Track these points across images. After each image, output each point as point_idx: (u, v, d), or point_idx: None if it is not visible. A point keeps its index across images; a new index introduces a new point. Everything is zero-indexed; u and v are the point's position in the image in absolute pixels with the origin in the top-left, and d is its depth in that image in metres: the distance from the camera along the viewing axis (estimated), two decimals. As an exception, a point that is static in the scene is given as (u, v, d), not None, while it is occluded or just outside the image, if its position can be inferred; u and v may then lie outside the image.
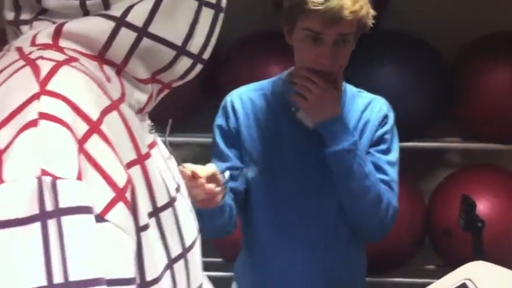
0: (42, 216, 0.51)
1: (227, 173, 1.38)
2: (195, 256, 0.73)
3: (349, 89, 1.56)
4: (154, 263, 0.63)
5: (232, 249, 2.44)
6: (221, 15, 0.69)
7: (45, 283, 0.50)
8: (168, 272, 0.66)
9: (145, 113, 0.71)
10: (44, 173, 0.51)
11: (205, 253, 2.84)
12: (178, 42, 0.66)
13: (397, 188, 1.52)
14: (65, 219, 0.51)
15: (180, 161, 1.20)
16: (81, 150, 0.54)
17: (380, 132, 1.52)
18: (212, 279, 3.01)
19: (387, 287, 2.58)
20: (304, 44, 1.41)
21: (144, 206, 0.61)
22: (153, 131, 0.75)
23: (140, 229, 0.60)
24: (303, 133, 1.49)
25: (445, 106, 2.47)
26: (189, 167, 1.24)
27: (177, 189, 0.72)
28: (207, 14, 0.67)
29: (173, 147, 2.76)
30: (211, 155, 1.55)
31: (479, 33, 2.45)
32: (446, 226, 2.29)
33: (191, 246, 0.71)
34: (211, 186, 1.27)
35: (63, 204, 0.51)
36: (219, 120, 1.54)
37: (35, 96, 0.55)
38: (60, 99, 0.55)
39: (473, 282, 1.02)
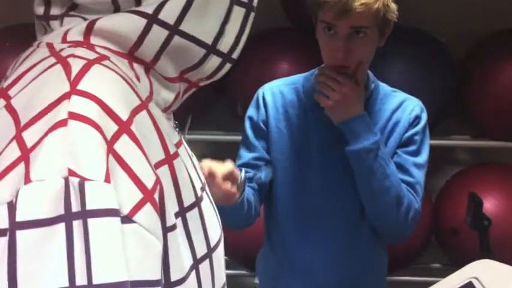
0: (67, 217, 0.50)
1: (243, 173, 1.38)
2: (220, 256, 0.72)
3: (383, 88, 1.55)
4: (180, 264, 0.62)
5: (234, 247, 2.45)
6: (252, 15, 0.68)
7: (66, 284, 0.49)
8: (193, 273, 0.65)
9: (171, 111, 0.71)
10: (72, 173, 0.51)
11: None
12: (209, 41, 0.65)
13: (421, 191, 1.50)
14: (91, 221, 0.51)
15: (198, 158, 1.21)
16: (111, 150, 0.54)
17: (410, 133, 1.50)
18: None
19: (394, 285, 2.58)
20: (322, 37, 1.41)
21: (171, 206, 0.61)
22: (177, 129, 0.74)
23: (167, 230, 0.59)
24: (330, 130, 1.47)
25: (453, 103, 2.46)
26: (207, 165, 1.24)
27: (203, 188, 0.71)
28: (238, 12, 0.67)
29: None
30: (241, 145, 1.56)
31: (489, 30, 2.44)
32: (453, 225, 2.29)
33: (216, 246, 0.71)
34: (227, 186, 1.27)
35: (90, 206, 0.51)
36: (251, 111, 1.56)
37: (66, 96, 0.54)
38: (91, 99, 0.54)
39: (479, 281, 1.02)
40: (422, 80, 2.33)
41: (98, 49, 0.60)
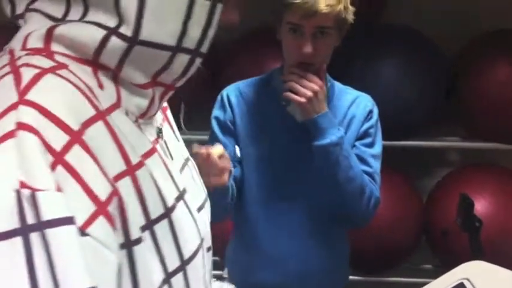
0: (23, 230, 0.49)
1: (237, 149, 1.48)
2: (197, 268, 0.70)
3: (337, 85, 1.66)
4: (150, 278, 0.61)
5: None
6: (219, 6, 0.65)
7: None
8: (165, 287, 0.63)
9: (150, 116, 0.69)
10: (23, 185, 0.50)
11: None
12: (172, 42, 0.63)
13: (379, 180, 1.61)
14: (49, 232, 0.49)
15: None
16: (61, 161, 0.52)
17: (365, 126, 1.61)
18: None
19: (384, 286, 2.58)
20: (287, 37, 1.51)
21: (136, 219, 0.59)
22: (161, 134, 0.72)
23: (132, 243, 0.58)
24: (292, 125, 1.56)
25: (444, 105, 2.46)
26: (201, 147, 1.34)
27: (179, 198, 0.69)
28: (202, 6, 0.64)
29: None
30: (209, 143, 1.61)
31: (480, 30, 2.44)
32: (444, 226, 2.29)
33: (191, 258, 0.68)
34: (224, 162, 1.37)
35: (45, 216, 0.50)
36: (216, 112, 1.65)
37: (13, 106, 0.53)
38: (38, 110, 0.53)
39: (470, 282, 1.02)
40: (413, 81, 2.33)
41: (57, 57, 0.59)
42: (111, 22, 0.60)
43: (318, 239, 1.63)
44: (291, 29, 1.48)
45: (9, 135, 0.51)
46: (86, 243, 0.52)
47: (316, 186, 1.57)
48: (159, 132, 0.72)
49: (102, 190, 0.55)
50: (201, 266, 0.72)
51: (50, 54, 0.59)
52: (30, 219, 0.49)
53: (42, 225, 0.49)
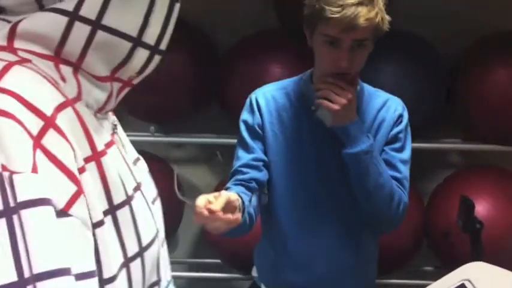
0: (6, 212, 0.51)
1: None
2: (153, 256, 0.72)
3: (367, 88, 1.64)
4: (110, 261, 0.63)
5: (229, 251, 2.45)
6: (177, 5, 0.68)
7: (15, 278, 0.50)
8: (124, 271, 0.66)
9: (106, 111, 0.71)
10: (4, 168, 0.52)
11: (204, 255, 2.85)
12: (134, 33, 0.65)
13: (408, 185, 1.60)
14: (24, 213, 0.52)
15: (180, 191, 1.29)
16: (38, 145, 0.54)
17: (395, 131, 1.60)
18: (211, 279, 3.01)
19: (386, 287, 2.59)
20: (323, 48, 1.49)
21: (98, 203, 0.61)
22: (116, 130, 0.74)
23: (94, 225, 0.60)
24: (321, 130, 1.56)
25: (445, 107, 2.47)
26: (202, 203, 1.28)
27: (136, 189, 0.72)
28: (162, 3, 0.66)
29: (174, 148, 2.74)
30: (237, 147, 1.63)
31: (480, 34, 2.46)
32: (445, 228, 2.29)
33: (148, 246, 0.71)
34: (229, 216, 1.31)
35: (21, 197, 0.52)
36: (245, 115, 1.63)
37: None
38: (12, 96, 0.55)
39: (471, 283, 1.02)
40: (413, 83, 2.34)
41: (20, 53, 0.61)
42: (70, 5, 0.61)
43: (346, 241, 1.63)
44: (328, 41, 1.46)
45: None
46: (69, 223, 0.55)
47: (345, 191, 1.56)
48: (114, 128, 0.74)
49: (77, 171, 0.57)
50: (156, 255, 0.74)
51: (13, 51, 0.61)
52: (12, 202, 0.52)
53: (18, 206, 0.52)
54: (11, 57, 0.60)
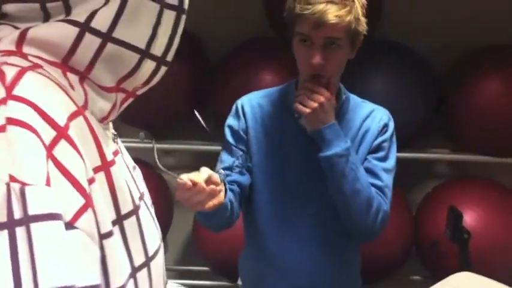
0: (10, 224, 0.50)
1: (222, 171, 1.46)
2: (158, 265, 0.72)
3: (353, 98, 1.64)
4: (119, 272, 0.62)
5: (217, 259, 2.44)
6: (183, 17, 0.68)
7: None
8: (131, 281, 0.65)
9: (108, 122, 0.71)
10: (13, 179, 0.51)
11: (193, 262, 2.83)
12: (142, 45, 0.65)
13: (390, 194, 1.58)
14: (34, 226, 0.50)
15: (173, 172, 1.26)
16: (50, 156, 0.53)
17: (379, 140, 1.59)
18: (199, 287, 3.00)
19: (374, 297, 2.59)
20: (298, 48, 1.50)
21: (107, 213, 0.61)
22: (116, 140, 0.74)
23: (102, 236, 0.59)
24: (305, 137, 1.56)
25: (434, 117, 2.49)
26: (185, 177, 1.28)
27: (141, 198, 0.72)
28: (169, 16, 0.67)
29: (163, 155, 2.74)
30: (222, 151, 1.64)
31: (470, 46, 2.48)
32: (433, 237, 2.30)
33: (154, 255, 0.71)
34: (213, 187, 1.32)
35: (32, 211, 0.50)
36: (230, 120, 1.64)
37: (2, 101, 0.54)
38: (27, 105, 0.54)
39: (459, 293, 1.03)
40: (403, 94, 2.36)
41: (30, 58, 0.60)
42: (82, 17, 0.61)
43: (328, 251, 1.62)
44: (301, 39, 1.47)
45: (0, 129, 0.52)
46: (74, 236, 0.53)
47: (327, 199, 1.56)
48: (115, 137, 0.74)
49: (87, 183, 0.56)
50: (162, 264, 0.74)
51: (23, 56, 0.60)
52: (17, 214, 0.50)
53: (28, 220, 0.50)
54: (23, 63, 0.59)
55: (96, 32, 0.62)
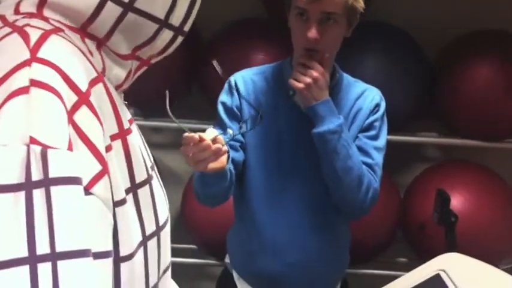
0: (27, 186, 0.50)
1: (230, 131, 1.45)
2: (167, 236, 0.73)
3: (346, 77, 1.65)
4: (130, 239, 0.62)
5: (205, 237, 2.45)
6: None
7: (26, 254, 0.48)
8: (141, 249, 0.66)
9: (122, 90, 0.70)
10: (33, 141, 0.50)
11: (180, 240, 2.83)
12: (162, 15, 0.65)
13: (380, 172, 1.60)
14: (54, 189, 0.50)
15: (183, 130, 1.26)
16: (70, 121, 0.53)
17: (370, 119, 1.61)
18: (186, 265, 3.00)
19: (360, 278, 2.61)
20: (294, 22, 1.50)
21: (121, 181, 0.61)
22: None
23: (116, 204, 0.59)
24: (298, 114, 1.57)
25: (424, 101, 2.49)
26: (193, 134, 1.29)
27: (152, 168, 0.71)
28: None
29: (153, 132, 2.72)
30: (214, 127, 1.60)
31: (462, 30, 2.47)
32: (420, 220, 2.32)
33: (164, 225, 0.71)
34: (218, 145, 1.32)
35: (53, 174, 0.50)
36: (223, 97, 1.63)
37: (26, 63, 0.53)
38: (52, 68, 0.54)
39: (447, 273, 1.04)
40: (395, 78, 2.35)
41: (51, 21, 0.60)
42: None
43: (318, 228, 1.63)
44: (298, 13, 1.47)
45: (23, 90, 0.52)
46: (89, 201, 0.53)
47: (319, 176, 1.57)
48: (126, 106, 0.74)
49: (104, 150, 0.56)
50: (169, 235, 0.75)
51: (45, 19, 0.60)
52: (36, 176, 0.50)
53: (48, 182, 0.50)
54: (46, 26, 0.58)
55: (118, 2, 0.61)
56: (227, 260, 1.80)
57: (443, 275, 1.03)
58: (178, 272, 2.82)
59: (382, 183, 1.63)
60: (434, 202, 1.92)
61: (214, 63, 1.40)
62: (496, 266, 1.12)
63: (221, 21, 2.52)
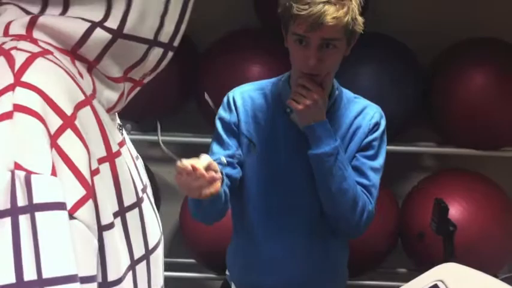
0: (13, 212, 0.49)
1: (223, 158, 1.45)
2: (158, 258, 0.72)
3: (346, 93, 1.64)
4: (118, 263, 0.62)
5: (204, 251, 2.44)
6: (191, 2, 0.68)
7: (13, 280, 0.48)
8: (130, 273, 0.65)
9: (115, 112, 0.70)
10: (18, 167, 0.50)
11: (179, 254, 2.82)
12: (151, 36, 0.65)
13: (376, 194, 1.59)
14: (39, 215, 0.50)
15: (176, 158, 1.25)
16: (54, 145, 0.53)
17: (369, 138, 1.59)
18: (186, 279, 2.99)
19: (360, 289, 2.60)
20: (294, 47, 1.48)
21: (109, 205, 0.61)
22: (122, 130, 0.74)
23: (103, 228, 0.59)
24: (296, 134, 1.56)
25: (420, 110, 2.50)
26: (186, 162, 1.28)
27: (143, 190, 0.71)
28: (176, 2, 0.67)
29: (150, 146, 2.71)
30: (212, 143, 1.62)
31: (456, 38, 2.49)
32: (419, 230, 2.32)
33: (154, 248, 0.71)
34: (212, 173, 1.31)
35: (37, 199, 0.50)
36: (222, 113, 1.62)
37: (10, 88, 0.53)
38: (35, 92, 0.54)
39: (444, 283, 1.03)
40: (390, 87, 2.36)
41: (40, 43, 0.60)
42: (96, 17, 0.61)
43: (315, 245, 1.63)
44: (297, 39, 1.45)
45: (6, 116, 0.51)
46: (73, 226, 0.53)
47: (316, 194, 1.56)
48: (120, 128, 0.74)
49: (90, 174, 0.56)
50: (161, 258, 0.74)
51: (34, 41, 0.60)
52: (21, 202, 0.50)
53: (33, 208, 0.50)
54: (33, 48, 0.58)
55: (107, 29, 0.61)
56: (227, 273, 1.80)
57: (441, 285, 1.03)
58: (177, 286, 2.82)
59: (380, 192, 1.62)
60: (432, 212, 1.92)
61: (206, 96, 1.40)
62: (495, 275, 1.12)
63: (216, 33, 2.53)
